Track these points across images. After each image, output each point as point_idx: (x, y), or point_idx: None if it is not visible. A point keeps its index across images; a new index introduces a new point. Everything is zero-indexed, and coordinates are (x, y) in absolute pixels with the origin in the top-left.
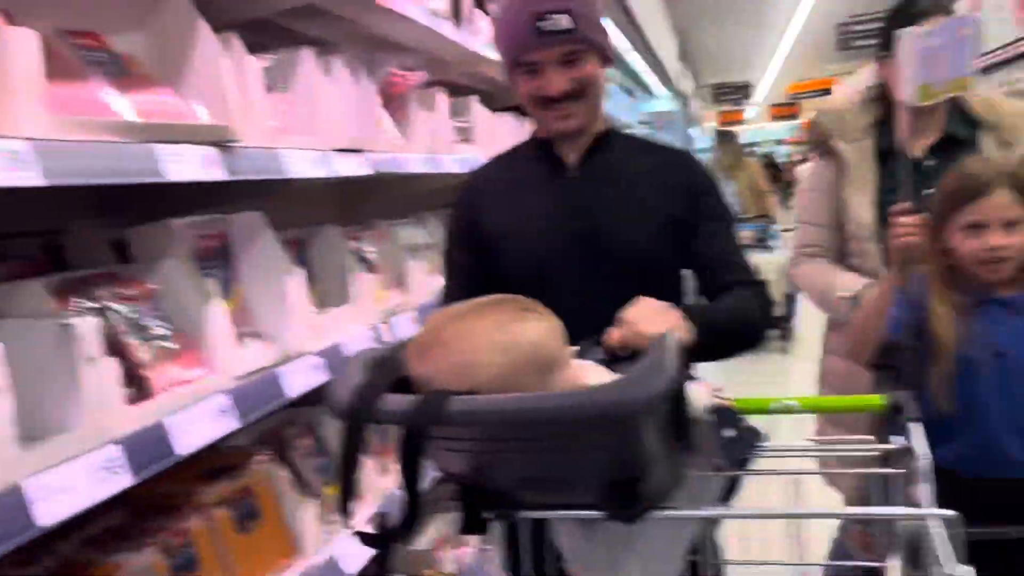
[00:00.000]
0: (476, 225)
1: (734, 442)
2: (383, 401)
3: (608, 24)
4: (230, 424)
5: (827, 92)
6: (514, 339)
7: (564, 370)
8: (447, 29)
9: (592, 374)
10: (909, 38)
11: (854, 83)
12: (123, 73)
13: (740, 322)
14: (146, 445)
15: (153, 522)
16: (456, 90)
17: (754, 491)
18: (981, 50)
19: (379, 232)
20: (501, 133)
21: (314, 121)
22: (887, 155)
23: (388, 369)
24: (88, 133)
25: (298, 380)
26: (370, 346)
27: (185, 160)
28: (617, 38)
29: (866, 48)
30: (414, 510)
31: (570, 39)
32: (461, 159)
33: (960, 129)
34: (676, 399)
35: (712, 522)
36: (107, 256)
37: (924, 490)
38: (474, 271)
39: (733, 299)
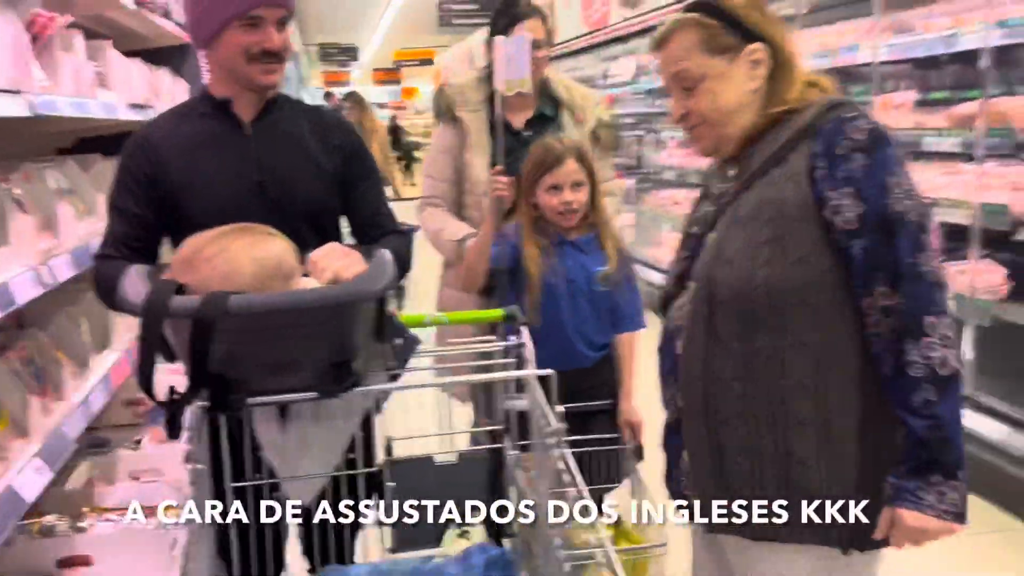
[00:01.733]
0: (156, 179)
1: (402, 347)
2: (174, 300)
3: None
4: None
5: (429, 62)
6: (265, 254)
7: (298, 280)
8: None
9: (314, 284)
10: (498, 43)
11: (448, 54)
12: None
13: (399, 260)
14: None
15: None
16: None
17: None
18: (529, 58)
19: (27, 174)
20: (135, 79)
21: None
22: (496, 125)
23: (166, 278)
24: None
25: None
26: (35, 288)
27: None
28: None
29: (463, 26)
30: (199, 383)
31: (287, 2)
32: (104, 104)
33: (547, 108)
34: (382, 300)
35: (376, 408)
36: None
37: (530, 364)
38: (148, 221)
39: (390, 243)
